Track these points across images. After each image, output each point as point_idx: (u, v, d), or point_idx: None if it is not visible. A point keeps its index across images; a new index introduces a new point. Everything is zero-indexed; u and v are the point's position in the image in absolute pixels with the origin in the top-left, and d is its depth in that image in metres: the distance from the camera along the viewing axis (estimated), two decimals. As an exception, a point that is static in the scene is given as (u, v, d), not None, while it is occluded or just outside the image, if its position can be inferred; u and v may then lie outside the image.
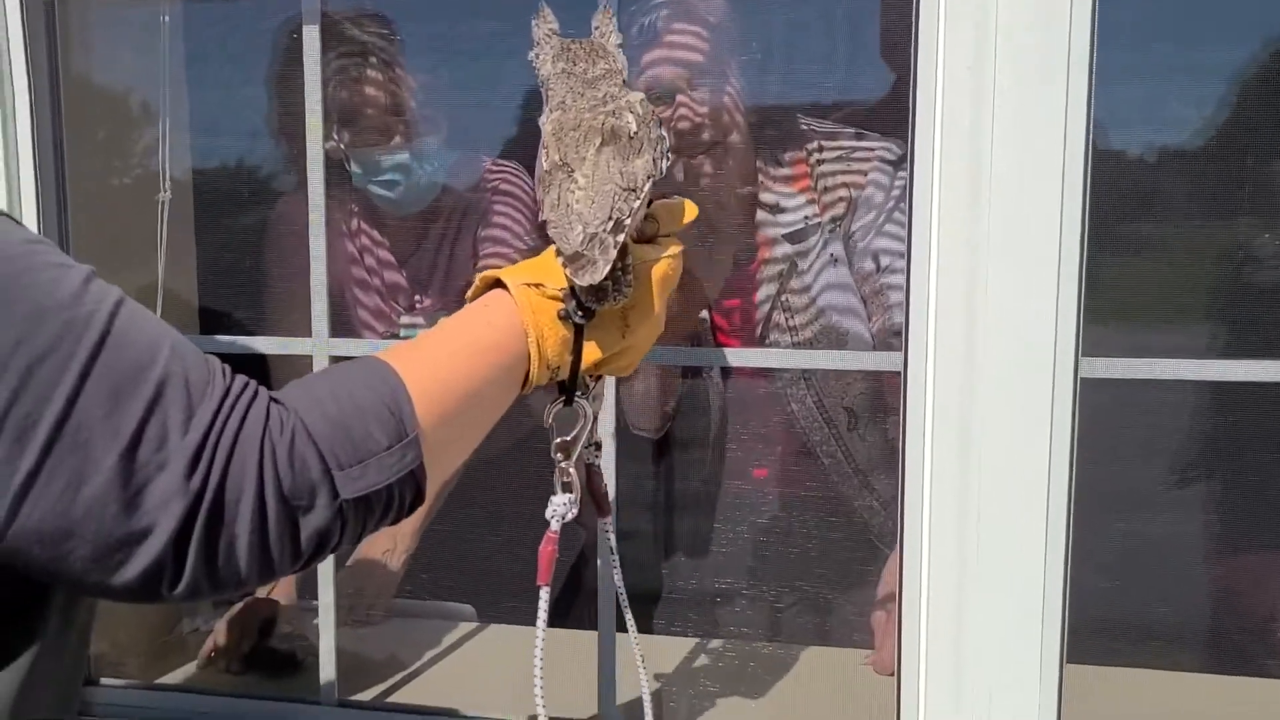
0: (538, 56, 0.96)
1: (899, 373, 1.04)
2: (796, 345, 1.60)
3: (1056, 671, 1.04)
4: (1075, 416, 1.01)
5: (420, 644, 1.55)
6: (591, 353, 0.92)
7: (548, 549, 0.99)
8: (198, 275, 1.56)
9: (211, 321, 1.60)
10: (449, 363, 0.83)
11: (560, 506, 0.98)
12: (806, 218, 1.59)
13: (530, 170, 1.74)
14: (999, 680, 1.04)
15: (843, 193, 1.58)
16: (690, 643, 1.51)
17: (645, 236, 0.97)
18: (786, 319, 1.60)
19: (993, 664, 1.04)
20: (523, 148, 1.71)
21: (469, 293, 0.93)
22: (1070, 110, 0.96)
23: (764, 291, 1.61)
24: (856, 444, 1.64)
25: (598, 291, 0.87)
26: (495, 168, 1.76)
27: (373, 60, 1.61)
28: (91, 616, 0.87)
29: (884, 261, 1.56)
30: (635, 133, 0.92)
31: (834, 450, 1.65)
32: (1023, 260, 0.99)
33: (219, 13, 1.56)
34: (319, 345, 1.22)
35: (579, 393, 0.94)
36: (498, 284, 0.91)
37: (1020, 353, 1.00)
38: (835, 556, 1.59)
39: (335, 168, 1.59)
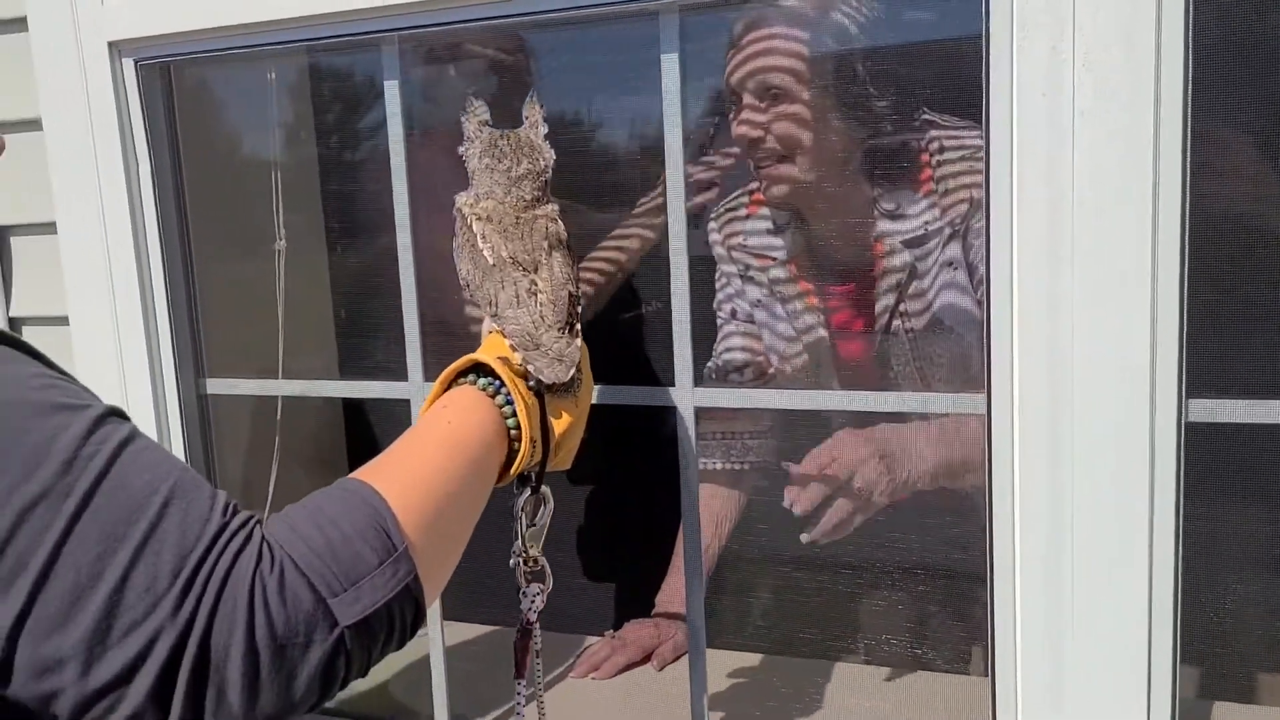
0: (467, 151, 1.00)
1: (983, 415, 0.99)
2: (914, 349, 1.53)
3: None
4: (1181, 460, 0.93)
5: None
6: (563, 420, 0.96)
7: (526, 642, 0.99)
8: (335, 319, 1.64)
9: (349, 365, 1.67)
10: (423, 468, 0.82)
11: (538, 599, 1.00)
12: (926, 222, 1.52)
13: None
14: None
15: (964, 194, 1.50)
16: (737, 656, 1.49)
17: None
18: (904, 324, 1.54)
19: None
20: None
21: (429, 395, 0.95)
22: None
23: (882, 302, 1.56)
24: None
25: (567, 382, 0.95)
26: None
27: None
28: None
29: None
30: (568, 240, 0.99)
31: None
32: (1112, 288, 0.92)
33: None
34: (416, 389, 1.26)
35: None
36: (455, 379, 0.95)
37: (1114, 393, 0.93)
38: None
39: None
